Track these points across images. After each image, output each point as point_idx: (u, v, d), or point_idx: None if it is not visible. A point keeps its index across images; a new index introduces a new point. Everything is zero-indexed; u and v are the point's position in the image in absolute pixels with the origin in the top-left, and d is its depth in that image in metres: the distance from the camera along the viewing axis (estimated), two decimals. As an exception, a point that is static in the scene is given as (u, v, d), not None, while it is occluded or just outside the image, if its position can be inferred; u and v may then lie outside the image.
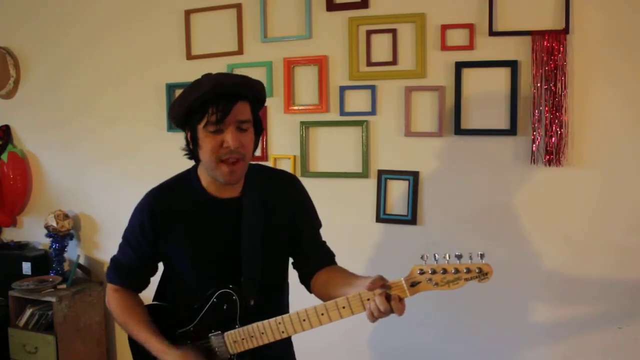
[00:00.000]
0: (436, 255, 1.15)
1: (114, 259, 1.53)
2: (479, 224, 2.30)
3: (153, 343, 1.39)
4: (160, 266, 1.55)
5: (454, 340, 2.37)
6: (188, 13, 2.73)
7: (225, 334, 1.38)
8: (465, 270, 1.12)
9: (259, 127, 1.42)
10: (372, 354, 2.54)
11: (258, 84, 1.39)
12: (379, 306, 1.17)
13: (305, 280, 1.49)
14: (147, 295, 1.58)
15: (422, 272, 1.15)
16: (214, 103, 1.29)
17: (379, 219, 2.45)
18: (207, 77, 1.35)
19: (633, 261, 2.11)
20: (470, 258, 1.12)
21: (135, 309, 1.47)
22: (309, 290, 1.48)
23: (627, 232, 2.12)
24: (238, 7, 2.62)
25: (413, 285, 1.15)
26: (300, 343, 1.66)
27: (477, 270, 1.12)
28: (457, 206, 2.33)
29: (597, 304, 2.16)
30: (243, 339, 1.36)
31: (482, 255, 1.12)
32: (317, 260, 1.48)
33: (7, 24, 3.23)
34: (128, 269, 1.49)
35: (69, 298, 2.84)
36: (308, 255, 1.50)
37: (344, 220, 2.48)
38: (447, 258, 1.14)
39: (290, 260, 1.56)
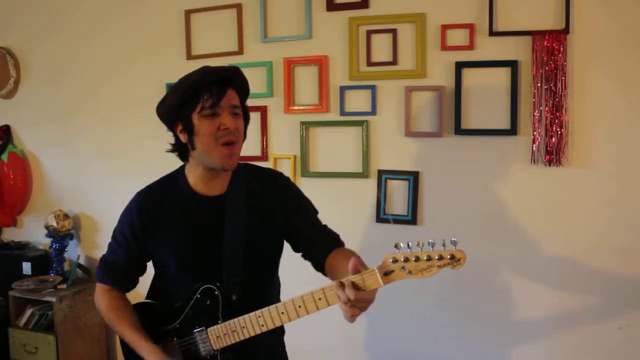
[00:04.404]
0: (409, 243, 1.14)
1: (103, 259, 1.56)
2: (479, 224, 2.29)
3: (138, 342, 1.42)
4: (151, 265, 1.57)
5: (453, 340, 2.37)
6: (188, 13, 2.73)
7: (209, 329, 1.40)
8: (437, 257, 1.12)
9: (247, 117, 1.47)
10: (369, 356, 2.54)
11: (243, 75, 1.45)
12: (349, 296, 1.14)
13: (319, 268, 1.48)
14: (141, 292, 1.60)
15: (395, 261, 1.14)
16: (207, 89, 1.35)
17: (379, 219, 2.45)
18: (195, 70, 1.40)
19: (634, 261, 2.11)
20: (444, 245, 1.12)
21: (122, 308, 1.50)
22: (323, 272, 1.48)
23: (627, 232, 2.12)
24: (238, 7, 2.63)
25: (387, 274, 1.15)
26: (295, 344, 1.67)
27: (449, 257, 1.11)
28: (457, 206, 2.33)
29: (597, 303, 2.16)
30: (225, 334, 1.38)
31: (455, 242, 1.12)
32: (322, 247, 1.46)
33: (8, 24, 3.23)
34: (117, 269, 1.52)
35: (69, 298, 2.85)
36: (312, 245, 1.49)
37: (344, 220, 2.46)
38: (421, 246, 1.14)
39: (298, 253, 1.56)
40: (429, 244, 1.13)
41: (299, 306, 1.26)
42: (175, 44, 2.78)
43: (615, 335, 2.14)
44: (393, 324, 2.44)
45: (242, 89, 1.45)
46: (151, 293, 1.58)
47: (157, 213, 1.47)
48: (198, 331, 1.41)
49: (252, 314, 1.34)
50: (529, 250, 2.24)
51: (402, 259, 1.14)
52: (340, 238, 1.52)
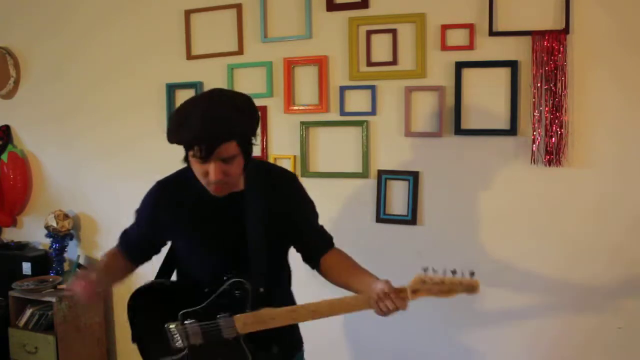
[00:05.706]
0: (433, 268, 1.37)
1: (125, 231, 1.68)
2: (479, 224, 2.29)
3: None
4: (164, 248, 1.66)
5: (453, 342, 2.37)
6: (188, 13, 2.73)
7: (235, 317, 1.45)
8: (458, 284, 1.36)
9: (249, 153, 1.44)
10: (364, 353, 2.54)
11: (247, 122, 1.39)
12: (388, 306, 1.38)
13: (311, 262, 1.62)
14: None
15: (423, 282, 1.37)
16: (200, 143, 1.33)
17: (379, 219, 2.45)
18: (197, 112, 1.33)
19: (633, 261, 2.11)
20: (462, 274, 1.36)
21: (110, 256, 1.65)
22: (316, 269, 1.61)
23: (627, 232, 2.12)
24: (238, 7, 2.62)
25: (414, 292, 1.38)
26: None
27: (468, 285, 1.36)
28: (457, 206, 2.33)
29: (597, 304, 2.16)
30: (252, 323, 1.45)
31: (472, 273, 1.35)
32: (319, 245, 1.61)
33: (8, 24, 3.23)
34: (133, 243, 1.65)
35: (69, 298, 2.84)
36: (310, 244, 1.62)
37: (344, 220, 2.48)
38: (445, 273, 1.37)
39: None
40: (451, 271, 1.37)
41: (332, 307, 1.43)
42: (175, 44, 2.78)
43: (615, 335, 2.14)
44: (386, 320, 2.43)
45: (242, 137, 1.38)
46: (163, 272, 1.66)
47: (175, 204, 1.52)
48: (223, 317, 1.46)
49: (283, 309, 1.46)
50: (528, 250, 2.24)
51: (429, 282, 1.37)
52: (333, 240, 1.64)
